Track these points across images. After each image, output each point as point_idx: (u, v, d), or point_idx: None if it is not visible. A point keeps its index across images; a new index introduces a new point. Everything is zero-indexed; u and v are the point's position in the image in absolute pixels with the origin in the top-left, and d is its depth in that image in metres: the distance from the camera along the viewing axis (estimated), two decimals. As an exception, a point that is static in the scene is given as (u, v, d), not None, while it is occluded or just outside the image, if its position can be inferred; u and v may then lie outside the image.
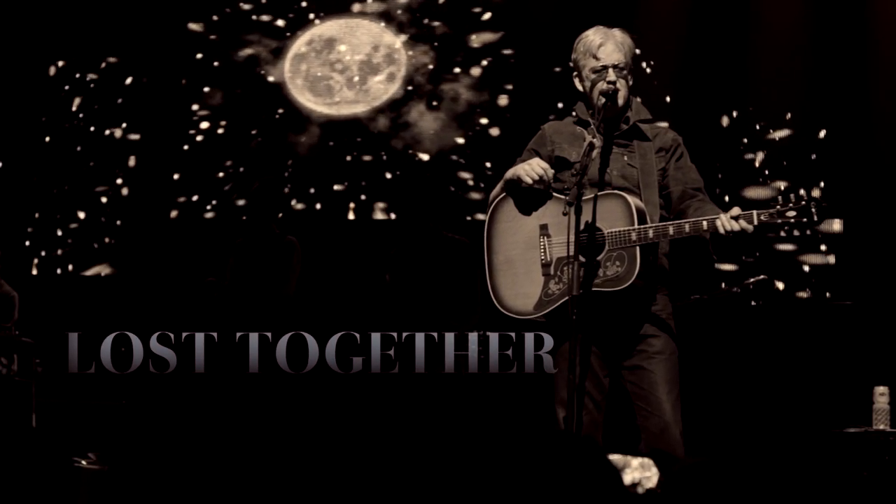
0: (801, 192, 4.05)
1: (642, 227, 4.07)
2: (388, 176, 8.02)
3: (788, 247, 6.92)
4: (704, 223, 4.03)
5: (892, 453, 5.47)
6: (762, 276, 5.90)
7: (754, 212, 3.97)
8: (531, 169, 4.20)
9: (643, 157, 4.27)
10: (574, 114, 4.38)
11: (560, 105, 7.57)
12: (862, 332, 6.65)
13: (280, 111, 8.21)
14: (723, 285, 6.35)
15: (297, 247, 6.72)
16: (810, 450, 6.17)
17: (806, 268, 6.98)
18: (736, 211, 3.99)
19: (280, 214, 6.89)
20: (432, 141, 7.92)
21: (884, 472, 5.47)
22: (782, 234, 4.07)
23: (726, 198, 7.11)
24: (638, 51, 4.34)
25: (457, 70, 8.00)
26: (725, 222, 3.98)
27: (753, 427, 6.51)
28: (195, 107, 8.36)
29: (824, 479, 5.86)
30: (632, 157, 4.27)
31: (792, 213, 3.93)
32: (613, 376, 4.27)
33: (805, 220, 3.93)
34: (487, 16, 8.05)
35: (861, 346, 6.58)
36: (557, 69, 7.51)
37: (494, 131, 7.93)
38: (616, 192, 4.14)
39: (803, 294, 7.04)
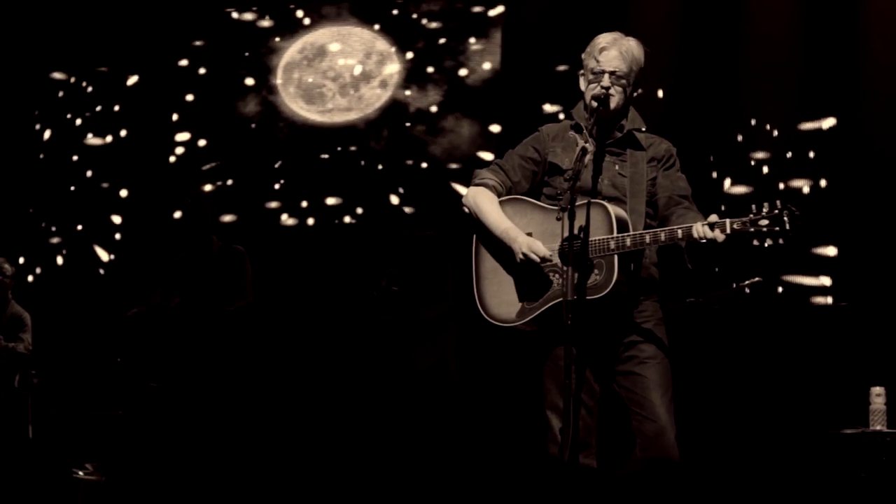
0: (777, 201, 4.01)
1: (620, 235, 4.08)
2: (396, 200, 7.96)
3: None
4: (679, 231, 4.04)
5: (889, 454, 5.47)
6: (757, 278, 5.90)
7: (727, 220, 3.96)
8: (533, 254, 4.19)
9: (634, 165, 4.29)
10: (572, 117, 4.39)
11: (547, 106, 7.54)
12: (858, 334, 6.65)
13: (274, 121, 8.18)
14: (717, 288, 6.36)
15: (245, 255, 6.72)
16: (808, 451, 6.17)
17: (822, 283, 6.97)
18: (713, 218, 3.99)
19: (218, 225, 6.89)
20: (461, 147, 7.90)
21: (881, 473, 5.47)
22: (755, 243, 4.04)
23: (723, 185, 7.10)
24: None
25: (464, 72, 7.96)
26: (699, 229, 3.99)
27: (751, 429, 6.51)
28: (175, 116, 8.33)
29: (822, 480, 5.87)
30: (623, 165, 4.29)
31: (765, 222, 3.91)
32: (605, 382, 4.29)
33: (777, 228, 3.91)
34: (499, 9, 7.99)
35: (857, 347, 6.58)
36: (562, 67, 7.47)
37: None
38: (598, 201, 4.15)
39: (824, 300, 7.02)
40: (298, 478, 6.50)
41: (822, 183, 7.12)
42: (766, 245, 3.95)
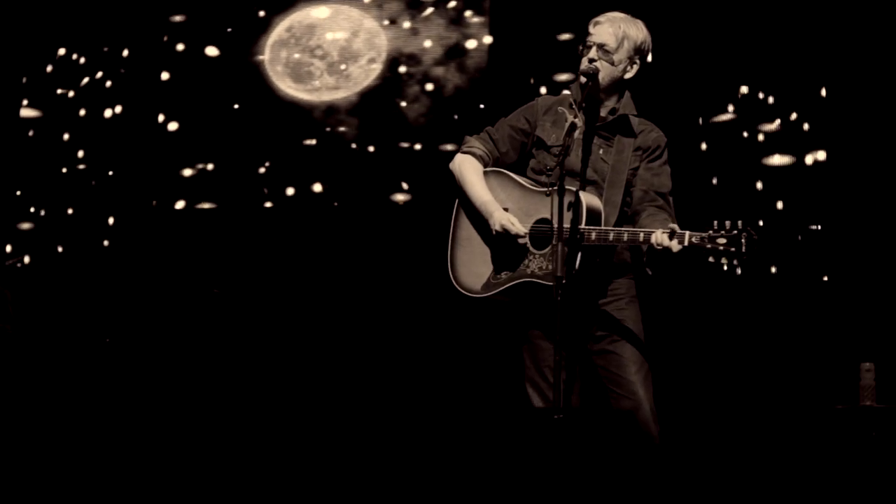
0: (739, 222, 4.06)
1: (586, 227, 4.14)
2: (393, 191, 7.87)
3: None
4: (641, 235, 4.10)
5: (879, 429, 5.50)
6: (744, 255, 5.91)
7: (687, 233, 4.02)
8: (508, 228, 4.27)
9: (619, 153, 4.35)
10: (566, 102, 4.47)
11: (532, 81, 7.46)
12: (847, 310, 6.65)
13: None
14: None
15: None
16: (798, 427, 6.19)
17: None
18: (673, 227, 4.05)
19: None
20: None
21: (871, 448, 5.50)
22: (710, 260, 4.09)
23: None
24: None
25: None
26: (658, 236, 4.04)
27: (741, 406, 6.52)
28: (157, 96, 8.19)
29: (812, 456, 5.89)
30: (608, 151, 4.35)
31: (722, 241, 3.97)
32: (583, 360, 4.35)
33: (733, 249, 3.97)
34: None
35: (847, 324, 6.59)
36: (566, 36, 7.37)
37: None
38: (576, 190, 4.20)
39: (813, 277, 6.98)
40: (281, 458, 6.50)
41: (821, 156, 7.06)
42: (721, 263, 4.00)
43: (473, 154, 4.46)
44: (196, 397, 7.16)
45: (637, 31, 4.37)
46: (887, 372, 5.72)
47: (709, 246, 3.97)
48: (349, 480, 5.49)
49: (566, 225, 4.10)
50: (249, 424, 6.84)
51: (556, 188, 4.07)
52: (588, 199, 4.20)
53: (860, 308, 6.60)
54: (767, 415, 6.43)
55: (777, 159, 7.08)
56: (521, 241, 4.26)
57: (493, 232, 4.30)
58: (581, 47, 4.37)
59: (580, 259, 4.12)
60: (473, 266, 4.38)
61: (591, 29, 4.36)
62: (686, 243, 4.00)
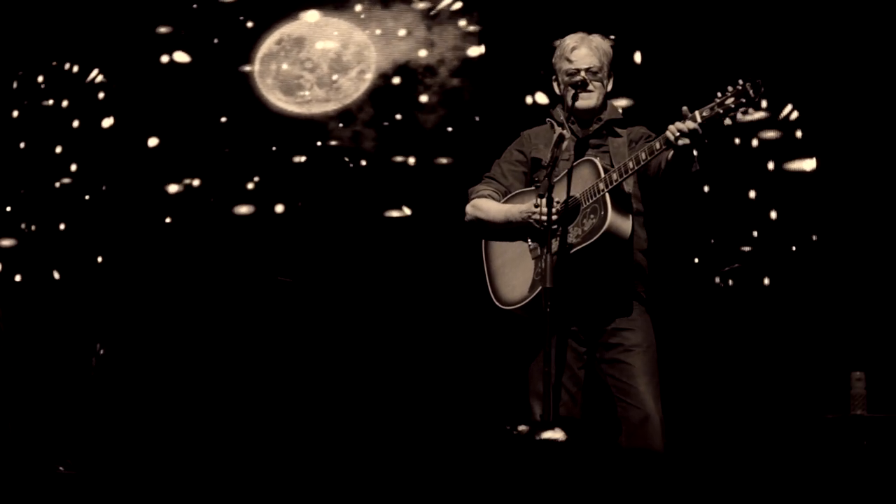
0: (739, 79, 4.13)
1: (606, 174, 4.21)
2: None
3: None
4: (656, 143, 4.14)
5: (870, 438, 5.51)
6: (736, 265, 5.93)
7: (696, 112, 4.08)
8: (531, 212, 4.34)
9: (616, 149, 4.41)
10: (550, 119, 4.53)
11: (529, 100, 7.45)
12: (838, 319, 6.65)
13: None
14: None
15: None
16: (790, 436, 6.19)
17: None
18: (683, 110, 4.11)
19: None
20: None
21: (862, 458, 5.50)
22: (727, 121, 4.14)
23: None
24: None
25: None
26: (671, 129, 4.10)
27: (733, 416, 6.52)
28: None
29: (804, 466, 5.89)
30: (604, 156, 4.40)
31: (731, 101, 4.06)
32: (589, 369, 4.35)
33: (744, 100, 4.04)
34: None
35: (838, 333, 6.59)
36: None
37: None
38: (585, 158, 4.27)
39: (804, 285, 6.98)
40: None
41: (814, 165, 7.03)
42: (737, 120, 4.07)
43: (482, 196, 4.56)
44: (190, 414, 7.15)
45: (607, 45, 4.49)
46: (878, 381, 5.72)
47: (721, 111, 4.04)
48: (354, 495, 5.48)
49: (582, 190, 4.21)
50: (246, 440, 6.83)
51: (544, 198, 4.13)
52: (598, 161, 4.28)
53: (851, 317, 6.60)
54: (759, 424, 6.43)
55: (771, 167, 7.09)
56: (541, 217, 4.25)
57: (524, 218, 4.34)
58: (562, 76, 4.43)
59: (611, 203, 4.14)
60: (516, 281, 4.40)
61: (570, 55, 4.43)
62: (700, 119, 4.05)
